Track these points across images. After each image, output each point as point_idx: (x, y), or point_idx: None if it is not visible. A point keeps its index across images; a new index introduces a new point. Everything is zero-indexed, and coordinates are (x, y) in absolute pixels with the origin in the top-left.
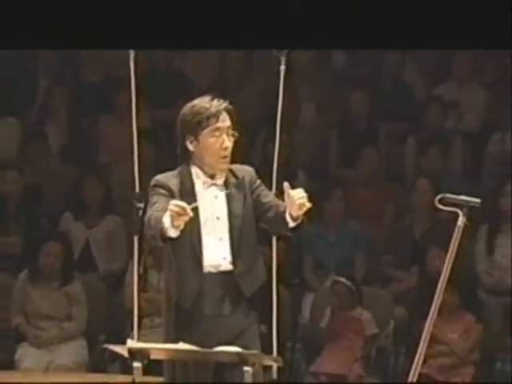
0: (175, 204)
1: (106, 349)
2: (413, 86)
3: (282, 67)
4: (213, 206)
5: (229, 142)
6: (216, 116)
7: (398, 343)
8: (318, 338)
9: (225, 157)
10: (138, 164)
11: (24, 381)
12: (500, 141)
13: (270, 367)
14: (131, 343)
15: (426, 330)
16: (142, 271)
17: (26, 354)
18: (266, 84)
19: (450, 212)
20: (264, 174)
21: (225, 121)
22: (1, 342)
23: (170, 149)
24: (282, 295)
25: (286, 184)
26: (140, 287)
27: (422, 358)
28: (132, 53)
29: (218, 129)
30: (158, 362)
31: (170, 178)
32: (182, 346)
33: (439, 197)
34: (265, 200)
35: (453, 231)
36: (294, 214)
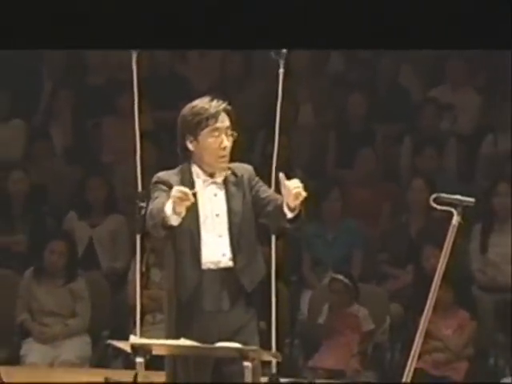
0: (177, 190)
1: (109, 344)
2: (409, 88)
3: (281, 70)
4: (212, 204)
5: (227, 142)
6: (215, 116)
7: (393, 339)
8: (316, 334)
9: (223, 156)
10: (141, 164)
11: (29, 376)
12: (493, 142)
13: (269, 362)
14: (134, 339)
15: (421, 326)
16: (144, 269)
17: (31, 350)
18: (266, 87)
19: (445, 211)
20: (263, 174)
21: (224, 121)
22: (7, 337)
23: (172, 149)
24: (280, 292)
25: (281, 175)
26: (142, 285)
27: (417, 354)
28: (134, 53)
29: (216, 129)
30: (160, 357)
31: (171, 176)
32: (183, 341)
33: (434, 196)
34: (263, 195)
35: (447, 230)
36: (292, 205)
